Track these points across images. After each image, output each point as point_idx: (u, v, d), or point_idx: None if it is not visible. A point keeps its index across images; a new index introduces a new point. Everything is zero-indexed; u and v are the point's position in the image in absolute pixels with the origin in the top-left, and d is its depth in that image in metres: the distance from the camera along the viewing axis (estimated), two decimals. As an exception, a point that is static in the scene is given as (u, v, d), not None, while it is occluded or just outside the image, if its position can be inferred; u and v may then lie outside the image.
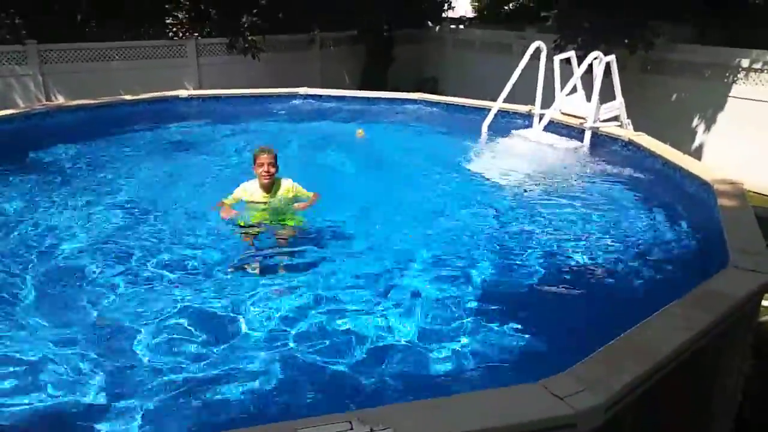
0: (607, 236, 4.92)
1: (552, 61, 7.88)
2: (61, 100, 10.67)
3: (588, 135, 7.33)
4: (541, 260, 4.45)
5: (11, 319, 3.62)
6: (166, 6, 11.89)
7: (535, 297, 3.99)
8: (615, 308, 3.87)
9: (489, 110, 8.16)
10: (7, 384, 3.04)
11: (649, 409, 2.70)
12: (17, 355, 3.25)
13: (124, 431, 2.71)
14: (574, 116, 7.71)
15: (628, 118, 7.59)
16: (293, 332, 3.48)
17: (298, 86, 10.17)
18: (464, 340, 3.40)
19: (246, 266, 4.32)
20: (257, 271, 4.26)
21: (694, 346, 2.70)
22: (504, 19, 16.16)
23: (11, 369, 3.13)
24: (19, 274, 4.17)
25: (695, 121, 9.94)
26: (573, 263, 4.44)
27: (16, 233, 4.91)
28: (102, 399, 2.92)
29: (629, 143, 6.99)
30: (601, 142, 7.35)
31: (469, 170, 6.72)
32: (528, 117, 8.27)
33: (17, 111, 8.63)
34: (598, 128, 7.35)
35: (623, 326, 2.80)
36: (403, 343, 3.38)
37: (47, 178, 6.32)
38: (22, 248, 4.60)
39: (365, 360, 3.22)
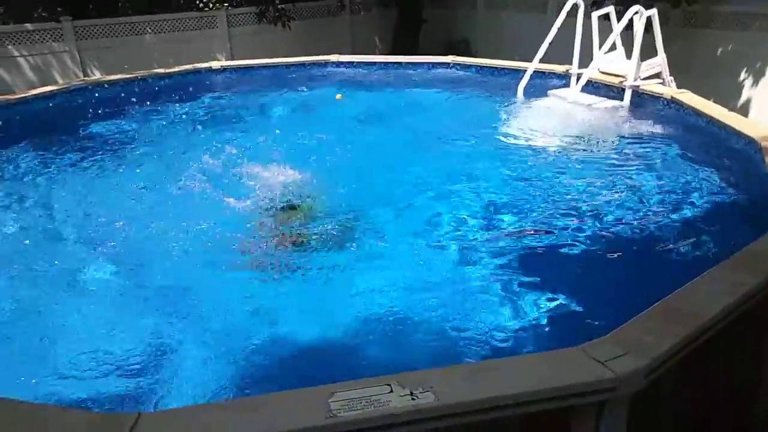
0: (649, 198, 4.79)
1: (590, 17, 7.60)
2: (97, 75, 10.85)
3: (628, 94, 7.08)
4: (582, 223, 4.37)
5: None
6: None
7: (575, 260, 3.93)
8: (657, 271, 3.79)
9: (524, 71, 7.94)
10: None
11: (691, 375, 2.66)
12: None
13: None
14: (614, 75, 7.45)
15: (670, 75, 7.29)
16: (330, 298, 3.52)
17: (329, 53, 10.09)
18: (501, 305, 3.39)
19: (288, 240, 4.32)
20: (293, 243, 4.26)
21: (739, 309, 2.62)
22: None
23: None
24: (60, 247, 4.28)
25: (742, 76, 9.49)
26: (614, 226, 4.35)
27: (59, 205, 5.04)
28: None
29: (672, 101, 6.73)
30: (642, 100, 7.09)
31: (505, 133, 6.59)
32: (565, 77, 8.03)
33: (58, 87, 8.80)
34: (638, 86, 7.09)
35: (665, 290, 2.74)
36: (440, 309, 3.38)
37: (89, 151, 6.46)
38: (63, 220, 4.73)
39: (402, 325, 3.23)
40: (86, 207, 4.91)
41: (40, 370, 3.00)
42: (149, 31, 11.60)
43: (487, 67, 9.26)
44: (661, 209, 4.60)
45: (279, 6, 11.81)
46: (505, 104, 7.64)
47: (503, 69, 8.95)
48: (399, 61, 9.97)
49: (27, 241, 4.35)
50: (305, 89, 8.80)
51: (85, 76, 10.82)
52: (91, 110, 7.84)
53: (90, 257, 4.10)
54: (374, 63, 10.01)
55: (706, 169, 5.28)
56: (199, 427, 1.97)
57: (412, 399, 2.03)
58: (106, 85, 8.91)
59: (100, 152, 6.42)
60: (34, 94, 8.22)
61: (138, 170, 5.70)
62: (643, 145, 6.04)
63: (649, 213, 4.55)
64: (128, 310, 3.51)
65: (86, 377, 2.95)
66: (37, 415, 2.10)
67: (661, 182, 5.09)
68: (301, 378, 2.83)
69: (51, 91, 8.42)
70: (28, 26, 10.83)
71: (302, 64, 9.96)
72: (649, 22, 6.88)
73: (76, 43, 10.95)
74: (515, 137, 6.43)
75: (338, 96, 8.01)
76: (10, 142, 6.60)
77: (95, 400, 2.75)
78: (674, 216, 4.49)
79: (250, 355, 3.07)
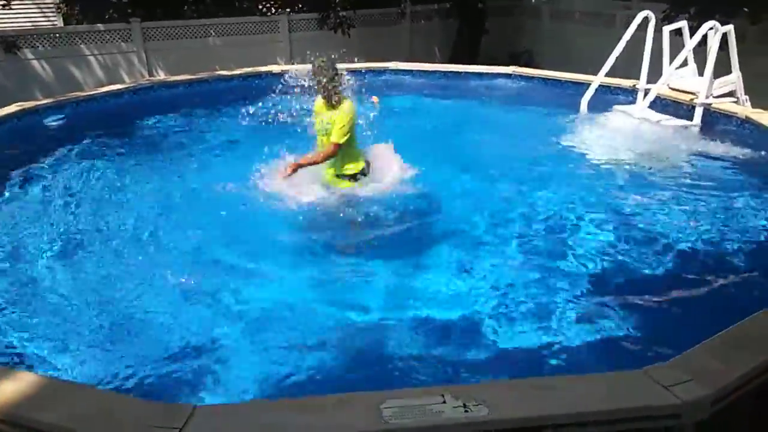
0: (720, 221, 4.57)
1: (660, 32, 7.36)
2: (162, 75, 11.22)
3: (699, 111, 6.78)
4: (648, 244, 4.21)
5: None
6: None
7: (639, 282, 3.77)
8: (725, 297, 3.61)
9: (588, 85, 7.74)
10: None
11: (763, 407, 2.50)
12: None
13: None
14: (684, 91, 7.18)
15: (745, 94, 6.98)
16: (381, 306, 3.48)
17: (387, 60, 10.12)
18: (562, 323, 3.27)
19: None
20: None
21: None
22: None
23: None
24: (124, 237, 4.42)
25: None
26: (681, 248, 4.16)
27: (127, 199, 5.22)
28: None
29: (746, 121, 6.45)
30: (713, 119, 6.81)
31: (567, 147, 6.40)
32: (631, 92, 7.78)
33: (125, 86, 9.17)
34: (710, 104, 6.81)
35: (735, 317, 2.60)
36: (501, 323, 3.30)
37: (154, 147, 6.70)
38: (127, 214, 4.87)
39: (459, 337, 3.17)
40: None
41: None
42: (213, 33, 11.92)
43: (549, 79, 9.10)
44: (732, 232, 4.38)
45: (340, 13, 11.95)
46: (567, 118, 7.43)
47: (566, 81, 8.77)
48: (458, 70, 9.86)
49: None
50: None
51: (150, 76, 11.22)
52: (156, 108, 8.13)
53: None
54: (433, 72, 9.97)
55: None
56: (253, 424, 1.98)
57: (465, 411, 1.98)
58: (171, 85, 9.21)
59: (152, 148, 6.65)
60: (103, 92, 8.57)
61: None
62: (713, 165, 5.78)
63: (718, 236, 4.34)
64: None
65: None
66: (98, 402, 2.16)
67: (732, 205, 4.85)
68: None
69: (118, 89, 8.76)
70: (100, 26, 11.31)
71: (360, 70, 10.02)
72: (724, 38, 6.61)
73: (143, 44, 11.37)
74: (577, 152, 6.26)
75: (374, 99, 7.92)
76: (79, 135, 6.89)
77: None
78: (745, 240, 4.26)
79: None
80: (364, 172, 4.75)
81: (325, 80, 4.48)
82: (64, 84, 10.56)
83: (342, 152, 4.54)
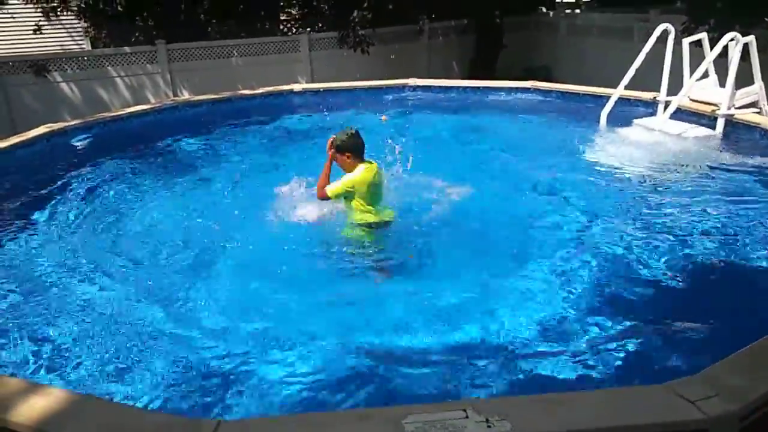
0: (744, 234, 4.50)
1: (680, 44, 7.33)
2: (186, 95, 11.46)
3: (721, 122, 6.73)
4: (672, 257, 4.16)
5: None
6: (281, 3, 12.35)
7: (660, 296, 3.73)
8: (750, 311, 3.54)
9: (608, 98, 7.72)
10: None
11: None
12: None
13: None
14: (705, 103, 7.12)
15: (768, 104, 6.92)
16: (403, 321, 3.50)
17: (406, 77, 10.21)
18: (583, 338, 3.25)
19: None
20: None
21: None
22: (624, 2, 15.19)
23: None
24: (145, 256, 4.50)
25: None
26: (706, 261, 4.12)
27: (152, 215, 5.35)
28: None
29: (769, 131, 6.37)
30: (735, 130, 6.73)
31: (587, 161, 6.38)
32: (652, 105, 7.74)
33: (151, 106, 9.39)
34: (732, 115, 6.74)
35: (760, 332, 2.56)
36: (520, 339, 3.29)
37: (178, 165, 6.84)
38: (148, 228, 5.00)
39: (480, 353, 3.17)
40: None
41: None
42: (235, 54, 12.15)
43: (568, 93, 9.09)
44: (756, 246, 4.31)
45: (359, 32, 12.11)
46: (588, 132, 7.40)
47: (585, 95, 8.75)
48: (477, 85, 9.92)
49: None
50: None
51: (174, 96, 11.46)
52: (181, 127, 8.30)
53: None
54: (452, 87, 10.04)
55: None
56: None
57: (488, 426, 1.98)
58: (194, 105, 9.40)
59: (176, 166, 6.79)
60: (129, 113, 8.77)
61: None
62: (736, 177, 5.70)
63: (742, 249, 4.27)
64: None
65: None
66: (121, 416, 2.20)
67: (757, 218, 4.77)
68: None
69: (144, 110, 8.97)
70: (126, 49, 11.63)
71: (380, 87, 10.13)
72: (745, 49, 6.56)
73: (168, 65, 11.63)
74: (597, 165, 6.22)
75: (383, 118, 7.92)
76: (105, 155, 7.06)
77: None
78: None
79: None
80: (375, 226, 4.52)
81: (332, 151, 4.45)
82: (91, 105, 10.85)
83: (350, 207, 4.48)
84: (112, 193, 5.95)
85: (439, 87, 10.07)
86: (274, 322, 3.54)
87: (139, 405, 2.77)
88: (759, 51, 6.68)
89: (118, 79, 11.46)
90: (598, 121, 7.59)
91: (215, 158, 7.17)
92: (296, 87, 10.22)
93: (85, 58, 11.45)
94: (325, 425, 2.08)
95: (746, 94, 6.86)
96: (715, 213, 4.92)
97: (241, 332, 3.44)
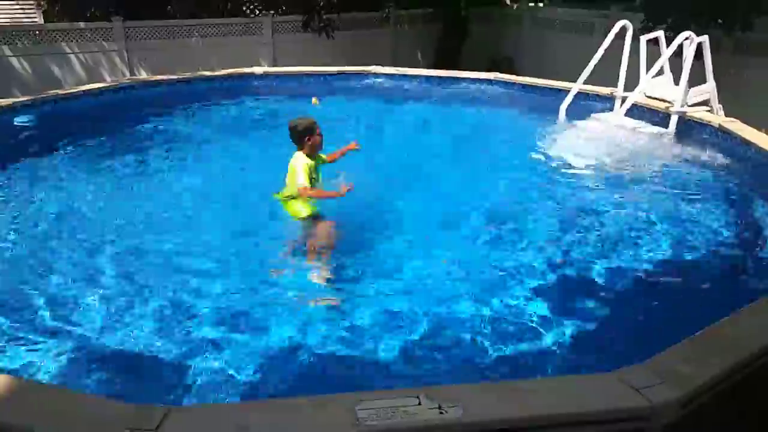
0: (693, 227, 4.66)
1: (638, 41, 7.49)
2: (143, 74, 11.13)
3: (674, 120, 6.92)
4: (623, 250, 4.26)
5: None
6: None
7: (614, 287, 3.82)
8: (698, 302, 3.68)
9: (567, 92, 7.85)
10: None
11: (731, 410, 2.56)
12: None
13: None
14: (660, 100, 7.32)
15: (719, 103, 7.13)
16: (360, 310, 3.50)
17: (370, 64, 10.16)
18: (536, 328, 3.31)
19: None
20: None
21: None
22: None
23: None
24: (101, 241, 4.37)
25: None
26: (655, 254, 4.23)
27: (103, 196, 5.20)
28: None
29: (720, 129, 6.57)
30: (688, 127, 6.93)
31: (545, 154, 6.49)
32: (609, 100, 7.90)
33: (106, 84, 9.10)
34: (685, 113, 6.94)
35: (705, 321, 2.65)
36: (475, 327, 3.32)
37: (131, 148, 6.62)
38: (102, 213, 4.85)
39: (433, 342, 3.19)
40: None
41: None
42: (196, 34, 11.84)
43: (529, 85, 9.20)
44: (705, 238, 4.47)
45: (324, 16, 11.96)
46: (546, 125, 7.52)
47: (545, 88, 8.87)
48: (440, 75, 9.97)
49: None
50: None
51: (131, 75, 11.12)
52: (138, 107, 8.06)
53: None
54: (415, 76, 10.03)
55: (753, 200, 5.12)
56: (228, 424, 1.98)
57: (441, 413, 2.00)
58: (152, 84, 9.14)
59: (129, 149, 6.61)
60: (83, 90, 8.48)
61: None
62: (687, 172, 5.89)
63: (690, 241, 4.42)
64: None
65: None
66: (71, 403, 2.14)
67: (706, 211, 4.94)
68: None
69: (99, 88, 8.69)
70: (81, 25, 11.19)
71: (342, 74, 10.04)
72: (699, 48, 6.74)
73: (125, 43, 11.26)
74: (554, 159, 6.33)
75: (314, 101, 7.79)
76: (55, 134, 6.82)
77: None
78: (718, 246, 4.35)
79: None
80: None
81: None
82: (43, 82, 10.42)
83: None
84: (58, 172, 5.77)
85: (403, 75, 10.05)
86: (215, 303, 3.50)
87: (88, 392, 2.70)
88: (711, 52, 6.87)
89: (72, 56, 11.02)
90: (557, 114, 7.72)
91: (170, 140, 7.00)
92: (257, 70, 10.05)
93: (37, 32, 10.97)
94: (278, 411, 2.07)
95: (699, 93, 7.07)
96: (662, 206, 5.06)
97: (191, 321, 3.38)
